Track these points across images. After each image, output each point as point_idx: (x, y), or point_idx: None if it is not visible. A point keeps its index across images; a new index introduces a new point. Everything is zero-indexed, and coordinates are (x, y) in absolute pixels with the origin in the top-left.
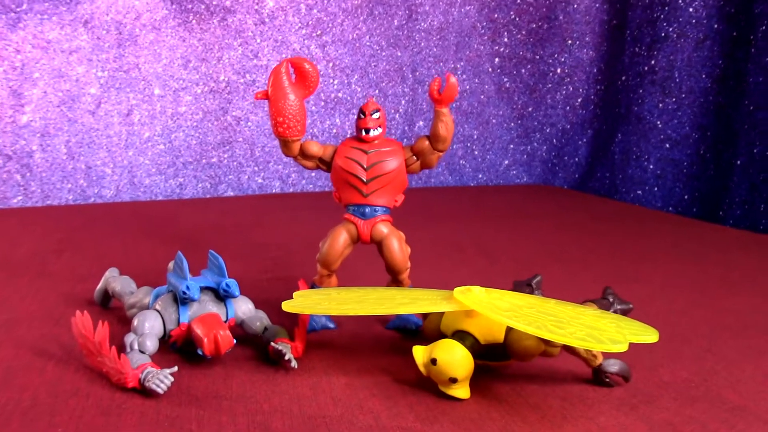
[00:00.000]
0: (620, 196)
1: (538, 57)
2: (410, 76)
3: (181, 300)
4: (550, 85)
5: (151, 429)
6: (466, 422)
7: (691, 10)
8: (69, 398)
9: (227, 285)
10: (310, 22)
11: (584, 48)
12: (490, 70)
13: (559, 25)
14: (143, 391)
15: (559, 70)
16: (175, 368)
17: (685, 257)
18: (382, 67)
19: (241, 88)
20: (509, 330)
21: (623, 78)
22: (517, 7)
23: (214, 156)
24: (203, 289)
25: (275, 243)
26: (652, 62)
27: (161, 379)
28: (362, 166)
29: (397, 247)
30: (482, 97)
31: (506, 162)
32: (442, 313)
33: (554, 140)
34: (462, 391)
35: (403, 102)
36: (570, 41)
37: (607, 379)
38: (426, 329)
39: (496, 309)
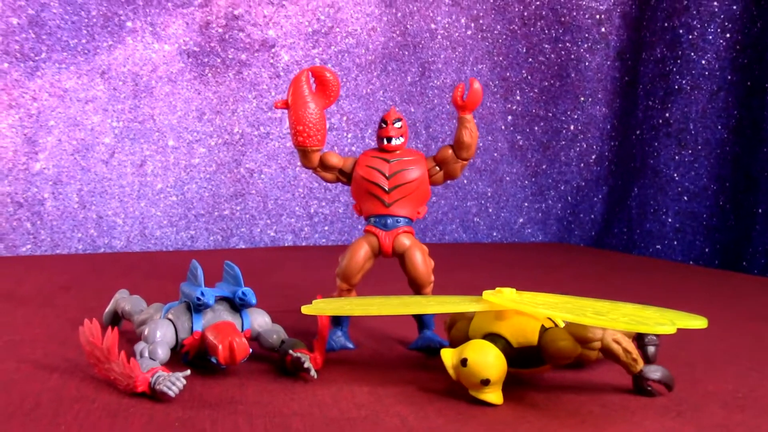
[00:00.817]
0: (639, 251)
1: (551, 114)
2: (424, 132)
3: (195, 308)
4: (563, 142)
5: (160, 430)
6: (499, 425)
7: (703, 62)
8: (73, 403)
9: (243, 293)
10: None
11: (597, 104)
12: (503, 127)
13: (571, 83)
14: (153, 397)
15: (572, 127)
16: (188, 372)
17: (713, 302)
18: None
19: (255, 140)
20: (543, 331)
21: (637, 132)
22: (529, 65)
23: (227, 208)
24: (218, 300)
25: (287, 284)
26: (667, 115)
27: (173, 381)
28: (384, 175)
29: (421, 259)
30: (495, 154)
31: (521, 220)
32: (470, 319)
33: (569, 197)
34: (494, 396)
35: None
36: (582, 98)
37: (649, 388)
38: (453, 339)
39: (533, 304)
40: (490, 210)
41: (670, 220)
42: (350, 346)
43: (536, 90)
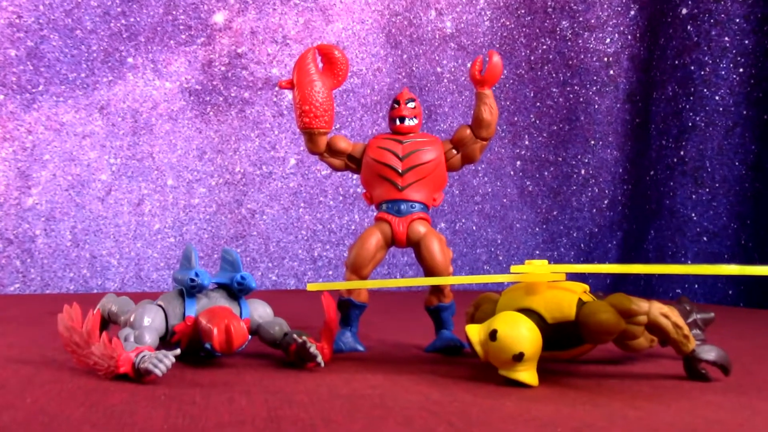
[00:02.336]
0: (658, 296)
1: (560, 159)
2: None
3: (188, 291)
4: (574, 188)
5: (146, 403)
6: (540, 401)
7: (717, 98)
8: (45, 384)
9: (242, 277)
10: None
11: (608, 148)
12: (512, 173)
13: (581, 126)
14: (137, 380)
15: (583, 172)
16: (178, 351)
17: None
18: None
19: (257, 180)
20: (581, 305)
21: (651, 173)
22: (537, 110)
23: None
24: (215, 288)
25: (289, 313)
26: (681, 153)
27: (160, 359)
28: (397, 156)
29: (438, 248)
30: (505, 200)
31: None
32: (496, 301)
33: (582, 245)
34: (529, 375)
35: None
36: (593, 142)
37: (703, 370)
38: (478, 321)
39: (571, 267)
40: (501, 258)
41: (689, 262)
42: (360, 348)
43: (545, 134)
